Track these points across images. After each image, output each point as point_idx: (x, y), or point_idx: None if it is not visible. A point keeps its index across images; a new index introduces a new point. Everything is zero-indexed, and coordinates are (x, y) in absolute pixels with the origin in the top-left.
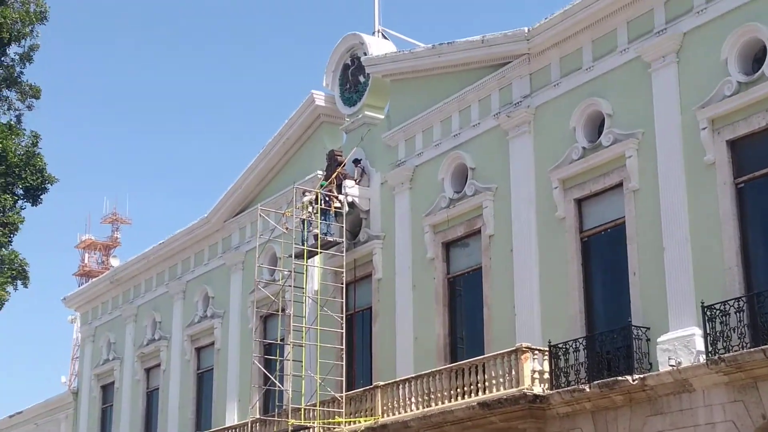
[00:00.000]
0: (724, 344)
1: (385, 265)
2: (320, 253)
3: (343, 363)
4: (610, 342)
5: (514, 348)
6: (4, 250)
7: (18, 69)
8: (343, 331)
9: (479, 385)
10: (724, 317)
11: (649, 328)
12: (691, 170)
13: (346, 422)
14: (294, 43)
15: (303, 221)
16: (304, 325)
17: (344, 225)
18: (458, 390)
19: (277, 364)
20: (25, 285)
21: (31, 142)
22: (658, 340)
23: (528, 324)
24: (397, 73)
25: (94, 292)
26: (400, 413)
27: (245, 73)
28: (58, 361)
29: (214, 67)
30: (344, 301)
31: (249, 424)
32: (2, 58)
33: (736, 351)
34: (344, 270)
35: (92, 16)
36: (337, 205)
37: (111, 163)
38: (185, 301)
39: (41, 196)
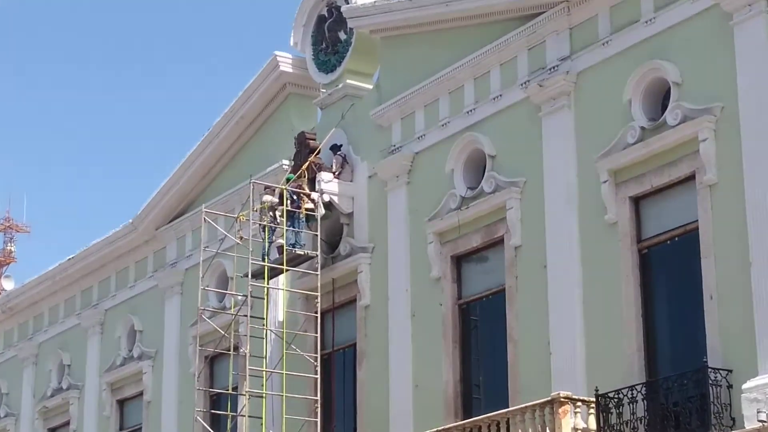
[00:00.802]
0: None
1: (375, 287)
2: (286, 271)
3: (318, 420)
4: (678, 390)
5: (549, 398)
6: None
7: None
8: (318, 376)
9: None
10: None
11: (731, 371)
12: None
13: None
14: None
15: (263, 228)
16: (264, 368)
17: (319, 233)
18: None
19: (229, 421)
20: None
21: None
22: (744, 387)
23: (568, 366)
24: (390, 28)
25: None
26: None
27: (184, 28)
28: None
29: (142, 20)
30: (319, 336)
31: None
32: None
33: None
34: (319, 294)
35: None
36: (309, 206)
37: (1, 152)
38: (103, 336)
39: None
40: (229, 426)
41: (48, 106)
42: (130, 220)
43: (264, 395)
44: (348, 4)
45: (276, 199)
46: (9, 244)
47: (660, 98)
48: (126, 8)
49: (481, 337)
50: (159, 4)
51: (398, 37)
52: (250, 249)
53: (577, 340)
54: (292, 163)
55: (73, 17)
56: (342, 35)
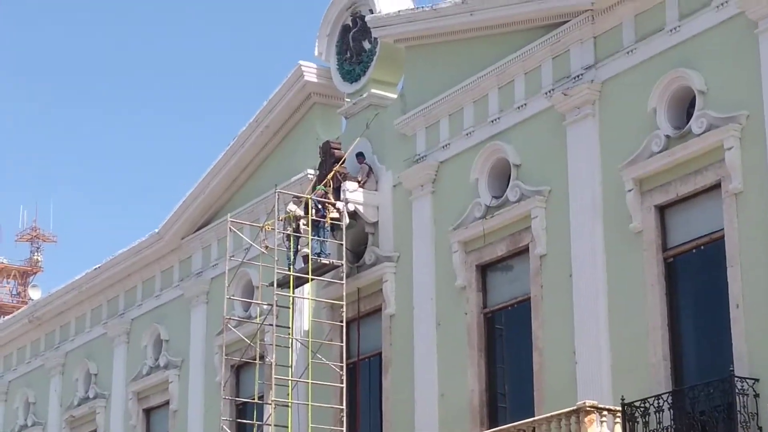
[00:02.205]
0: None
1: (400, 296)
2: (312, 280)
3: (344, 429)
4: (705, 399)
5: (574, 407)
6: None
7: None
8: (344, 385)
9: None
10: None
11: (758, 380)
12: None
13: None
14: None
15: (288, 237)
16: (290, 377)
17: (344, 242)
18: None
19: (254, 430)
20: None
21: None
22: None
23: (593, 375)
24: (414, 38)
25: (6, 335)
26: None
27: (209, 39)
28: None
29: (166, 32)
30: (345, 345)
31: None
32: None
33: None
34: (344, 303)
35: None
36: (335, 215)
37: (29, 161)
38: (130, 345)
39: None
40: None
41: (74, 116)
42: (156, 230)
43: (290, 404)
44: (372, 13)
45: (301, 211)
46: (36, 254)
47: (685, 106)
48: (151, 18)
49: (507, 346)
50: (185, 15)
51: (422, 47)
52: (276, 258)
53: (602, 348)
54: (317, 172)
55: (100, 28)
56: (366, 45)
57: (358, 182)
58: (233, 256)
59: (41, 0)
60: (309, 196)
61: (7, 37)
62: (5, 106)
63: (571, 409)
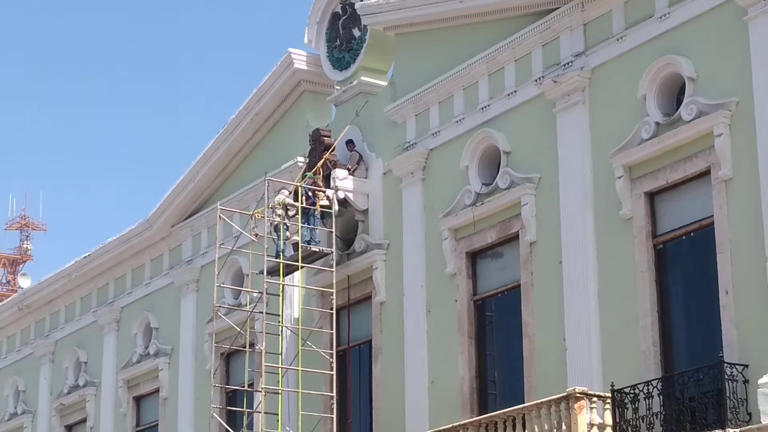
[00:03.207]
0: None
1: (390, 283)
2: (302, 268)
3: (334, 416)
4: (694, 385)
5: (564, 394)
6: None
7: None
8: (334, 372)
9: None
10: None
11: (747, 366)
12: None
13: None
14: None
15: (278, 226)
16: (280, 365)
17: (334, 230)
18: None
19: (245, 417)
20: None
21: None
22: (760, 381)
23: (583, 362)
24: (404, 25)
25: None
26: None
27: (198, 27)
28: None
29: (155, 20)
30: (335, 332)
31: None
32: None
33: None
34: (334, 291)
35: None
36: (324, 203)
37: (18, 150)
38: (119, 334)
39: None
40: (245, 422)
41: (63, 105)
42: (146, 218)
43: (280, 392)
44: (362, 1)
45: (289, 199)
46: (25, 243)
47: (675, 93)
48: (141, 6)
49: (497, 333)
50: (175, 3)
51: (412, 34)
52: (266, 246)
53: (592, 335)
54: (307, 160)
55: (86, 17)
56: (356, 32)
57: (348, 170)
58: (223, 244)
59: None
60: (299, 184)
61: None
62: None
63: (561, 395)
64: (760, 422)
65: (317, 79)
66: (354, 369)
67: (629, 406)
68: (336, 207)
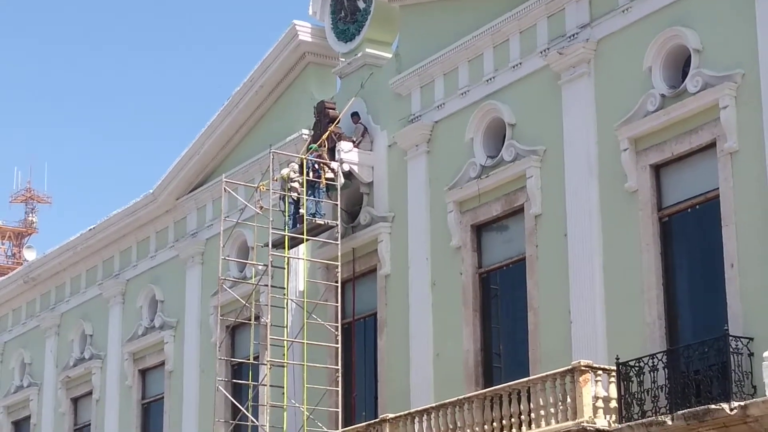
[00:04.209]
0: None
1: (395, 256)
2: (307, 240)
3: (339, 389)
4: (699, 358)
5: (569, 367)
6: None
7: None
8: (339, 345)
9: (522, 417)
10: None
11: (752, 339)
12: None
13: None
14: None
15: (283, 198)
16: (285, 337)
17: (339, 203)
18: (494, 424)
19: (250, 390)
20: None
21: None
22: (765, 354)
23: (588, 335)
24: None
25: (1, 296)
26: None
27: (202, 0)
28: None
29: None
30: (340, 305)
31: None
32: None
33: None
34: (339, 263)
35: None
36: (330, 175)
37: (22, 122)
38: (125, 306)
39: None
40: (250, 395)
41: (67, 77)
42: (151, 191)
43: (285, 365)
44: None
45: (294, 172)
46: (30, 215)
47: (680, 65)
48: None
49: (502, 306)
50: None
51: (417, 6)
52: (271, 219)
53: (597, 308)
54: (312, 132)
55: None
56: (361, 4)
57: (353, 142)
58: (228, 216)
59: None
60: (304, 157)
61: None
62: None
63: (566, 368)
64: (765, 395)
65: (322, 51)
66: (359, 342)
67: (634, 379)
68: (341, 180)
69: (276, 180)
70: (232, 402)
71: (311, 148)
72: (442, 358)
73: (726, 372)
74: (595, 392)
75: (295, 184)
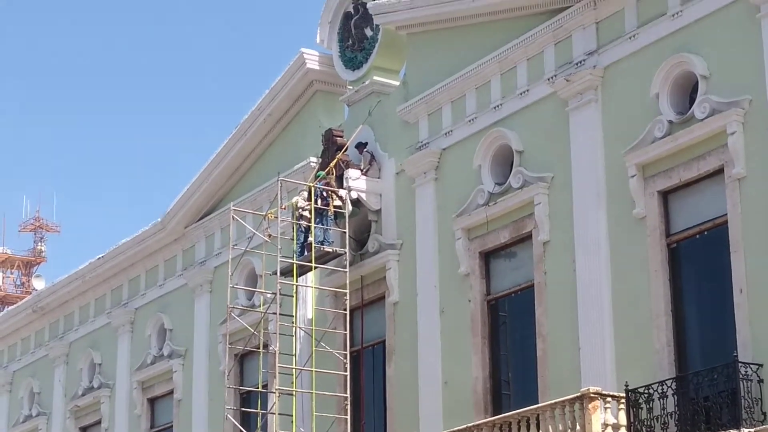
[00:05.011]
0: None
1: (403, 283)
2: (315, 268)
3: (348, 417)
4: (708, 384)
5: (578, 394)
6: None
7: None
8: (347, 373)
9: None
10: None
11: (761, 366)
12: None
13: None
14: None
15: (291, 226)
16: (294, 365)
17: (347, 230)
18: None
19: (259, 419)
20: None
21: None
22: None
23: (597, 362)
24: (416, 24)
25: (10, 325)
26: None
27: (211, 27)
28: None
29: (168, 19)
30: (348, 333)
31: None
32: None
33: None
34: (348, 291)
35: None
36: (338, 203)
37: (32, 151)
38: (134, 335)
39: None
40: (259, 424)
41: (76, 107)
42: (159, 219)
43: (294, 393)
44: (374, 0)
45: (303, 200)
46: (39, 244)
47: (688, 92)
48: (153, 5)
49: (510, 333)
50: (188, 2)
51: (424, 33)
52: (279, 247)
53: (606, 335)
54: (320, 160)
55: (99, 17)
56: (368, 32)
57: (361, 170)
58: (236, 244)
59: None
60: (312, 184)
61: (8, 32)
62: (8, 97)
63: (575, 395)
64: None
65: (330, 79)
66: (368, 369)
67: (643, 406)
68: (349, 207)
69: (284, 208)
70: (240, 430)
71: (319, 175)
72: (450, 385)
73: (735, 398)
74: (605, 419)
75: (305, 212)
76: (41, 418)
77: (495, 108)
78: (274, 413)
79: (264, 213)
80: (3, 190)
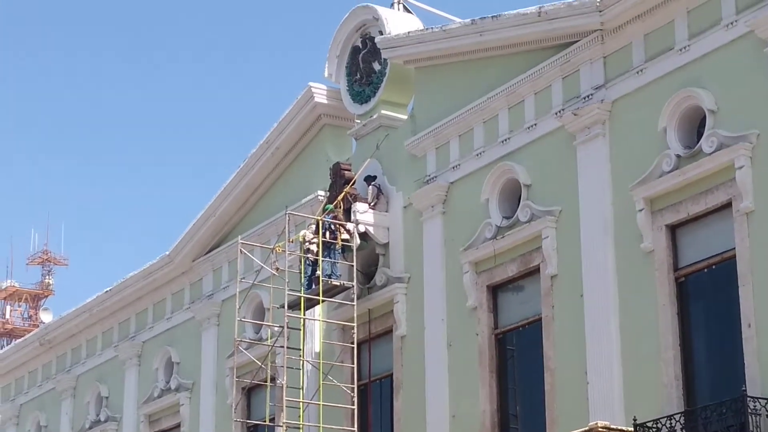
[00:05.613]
0: None
1: (411, 317)
2: (323, 302)
3: None
4: (717, 419)
5: (586, 428)
6: None
7: None
8: (355, 407)
9: None
10: None
11: None
12: None
13: None
14: (285, 21)
15: (299, 259)
16: (301, 399)
17: (355, 264)
18: None
19: None
20: None
21: None
22: None
23: (605, 395)
24: (423, 59)
25: (18, 358)
26: None
27: (219, 61)
28: None
29: (177, 55)
30: (356, 366)
31: None
32: None
33: None
34: (355, 324)
35: (17, 20)
36: (345, 236)
37: (40, 186)
38: (141, 368)
39: None
40: None
41: (84, 139)
42: (167, 252)
43: (301, 426)
44: (382, 35)
45: (311, 234)
46: (47, 277)
47: (695, 126)
48: (163, 38)
49: (518, 367)
50: (197, 37)
51: (432, 68)
52: (287, 280)
53: (614, 369)
54: (328, 193)
55: (108, 45)
56: (376, 66)
57: (369, 204)
58: (244, 278)
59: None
60: (320, 218)
61: (16, 63)
62: (17, 129)
63: (583, 429)
64: None
65: (337, 112)
66: (375, 403)
67: None
68: (357, 241)
69: (292, 241)
70: None
71: (327, 209)
72: (458, 419)
73: None
74: None
75: (312, 246)
76: None
77: (503, 142)
78: None
79: (272, 246)
80: (12, 223)
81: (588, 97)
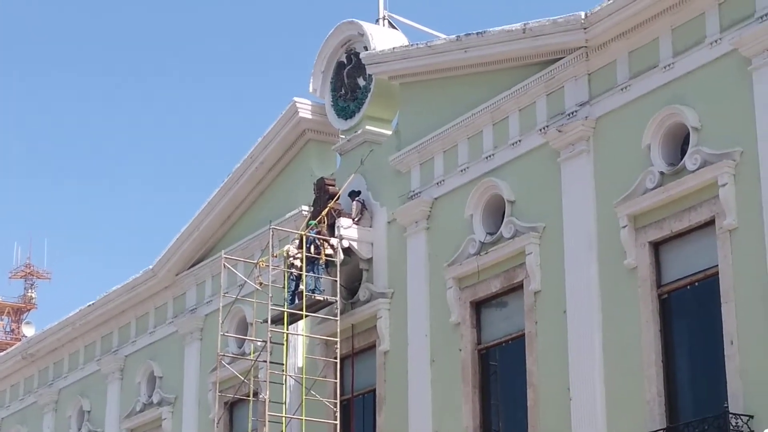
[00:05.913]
0: None
1: (394, 332)
2: (306, 316)
3: None
4: None
5: None
6: None
7: None
8: (338, 422)
9: None
10: None
11: (752, 417)
12: None
13: None
14: (270, 36)
15: (283, 274)
16: (284, 414)
17: (338, 279)
18: None
19: None
20: None
21: None
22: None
23: (588, 411)
24: (408, 74)
25: (0, 372)
26: None
27: (204, 75)
28: None
29: (162, 69)
30: (339, 381)
31: None
32: None
33: None
34: (338, 340)
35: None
36: (329, 251)
37: (23, 199)
38: (123, 382)
39: None
40: None
41: (67, 152)
42: (150, 266)
43: None
44: (367, 50)
45: (295, 249)
46: (30, 291)
47: (679, 143)
48: (147, 53)
49: (501, 383)
50: (181, 52)
51: (417, 83)
52: (270, 295)
53: (597, 385)
54: (312, 209)
55: (94, 63)
56: (361, 81)
57: (353, 219)
58: (227, 292)
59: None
60: (304, 233)
61: (5, 82)
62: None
63: None
64: None
65: (322, 128)
66: (358, 418)
67: None
68: (340, 256)
69: (276, 256)
70: None
71: (311, 224)
72: None
73: None
74: None
75: (296, 261)
76: None
77: (487, 158)
78: None
79: (255, 261)
80: None
81: (572, 113)
